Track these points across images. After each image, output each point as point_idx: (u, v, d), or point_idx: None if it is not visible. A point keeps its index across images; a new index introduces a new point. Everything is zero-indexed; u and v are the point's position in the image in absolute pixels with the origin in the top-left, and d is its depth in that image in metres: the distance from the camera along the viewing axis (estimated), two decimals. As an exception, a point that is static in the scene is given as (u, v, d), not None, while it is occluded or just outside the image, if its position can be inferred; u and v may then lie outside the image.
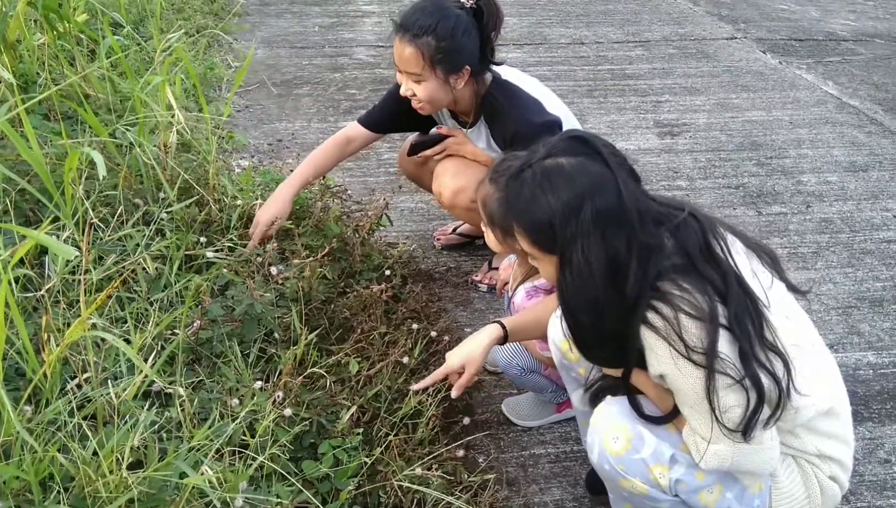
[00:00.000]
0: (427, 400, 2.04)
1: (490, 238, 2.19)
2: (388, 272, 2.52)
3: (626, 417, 1.61)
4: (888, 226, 3.34)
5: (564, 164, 1.47)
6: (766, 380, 1.46)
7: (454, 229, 3.10)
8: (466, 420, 2.14)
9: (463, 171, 2.63)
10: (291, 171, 3.10)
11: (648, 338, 1.50)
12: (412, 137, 2.80)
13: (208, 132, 2.75)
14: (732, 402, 1.46)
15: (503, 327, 1.95)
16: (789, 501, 1.63)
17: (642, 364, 1.57)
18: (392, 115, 2.68)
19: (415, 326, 2.28)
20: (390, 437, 1.86)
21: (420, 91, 2.40)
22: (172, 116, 2.76)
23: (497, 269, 2.87)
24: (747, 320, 1.48)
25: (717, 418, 1.47)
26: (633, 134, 4.13)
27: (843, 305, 2.83)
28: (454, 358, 1.93)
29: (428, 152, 2.67)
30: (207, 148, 2.83)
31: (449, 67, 2.37)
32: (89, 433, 1.56)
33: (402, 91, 2.43)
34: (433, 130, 2.70)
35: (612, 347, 1.55)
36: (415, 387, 1.98)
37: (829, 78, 5.01)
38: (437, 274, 2.93)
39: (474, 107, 2.54)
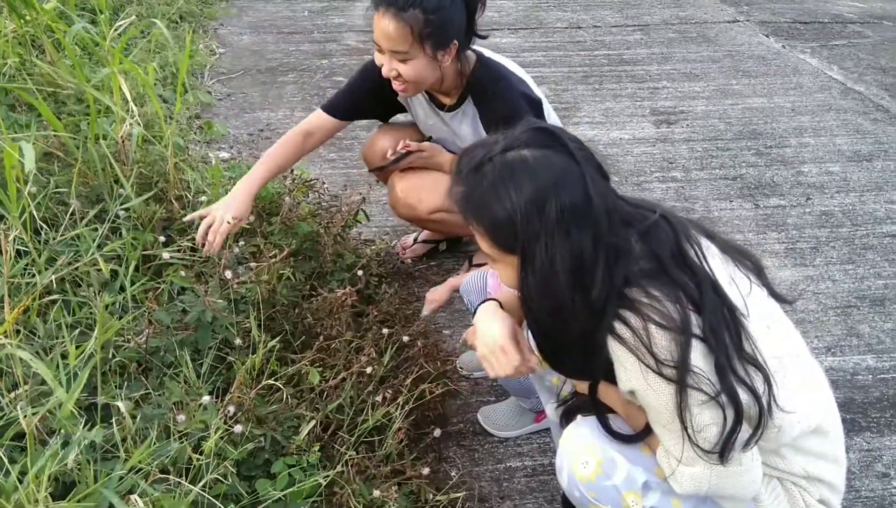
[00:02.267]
0: (394, 412, 1.92)
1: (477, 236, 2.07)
2: (359, 273, 2.39)
3: (596, 438, 1.48)
4: (892, 219, 3.19)
5: (528, 156, 1.34)
6: (744, 396, 1.33)
7: (415, 240, 2.95)
8: (437, 432, 2.01)
9: (415, 185, 2.54)
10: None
11: (616, 350, 1.36)
12: (377, 134, 2.66)
13: (172, 123, 2.61)
14: (707, 420, 1.32)
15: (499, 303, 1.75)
16: (774, 526, 1.50)
17: (612, 378, 1.45)
18: (360, 100, 2.50)
19: (385, 331, 2.15)
20: (347, 455, 1.73)
21: (406, 70, 2.21)
22: (128, 109, 2.63)
23: (479, 265, 2.74)
24: (724, 330, 1.35)
25: (690, 437, 1.33)
26: (629, 122, 3.98)
27: (841, 304, 2.69)
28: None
29: (391, 168, 2.54)
30: (177, 141, 2.70)
31: (438, 43, 2.19)
32: (14, 458, 1.43)
33: (385, 72, 2.24)
34: (399, 147, 2.52)
35: (578, 355, 1.42)
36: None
37: (834, 62, 4.83)
38: (417, 272, 2.80)
39: (459, 87, 2.39)
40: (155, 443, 1.57)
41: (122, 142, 2.44)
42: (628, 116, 4.06)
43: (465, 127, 2.44)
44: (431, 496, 1.80)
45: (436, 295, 2.27)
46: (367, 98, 2.48)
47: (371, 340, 2.07)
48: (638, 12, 5.71)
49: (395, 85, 2.26)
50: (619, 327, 1.35)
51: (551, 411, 1.86)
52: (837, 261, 2.92)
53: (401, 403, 1.94)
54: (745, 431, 1.35)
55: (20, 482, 1.41)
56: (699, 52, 4.94)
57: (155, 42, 4.11)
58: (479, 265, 2.74)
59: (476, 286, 2.26)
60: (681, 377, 1.30)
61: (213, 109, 4.01)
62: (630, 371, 1.35)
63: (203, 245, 2.17)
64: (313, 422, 1.81)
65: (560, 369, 1.52)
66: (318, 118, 2.51)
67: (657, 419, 1.37)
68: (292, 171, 2.63)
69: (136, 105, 2.46)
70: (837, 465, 1.53)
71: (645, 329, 1.32)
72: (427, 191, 2.50)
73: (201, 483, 1.51)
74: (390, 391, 1.98)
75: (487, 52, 2.40)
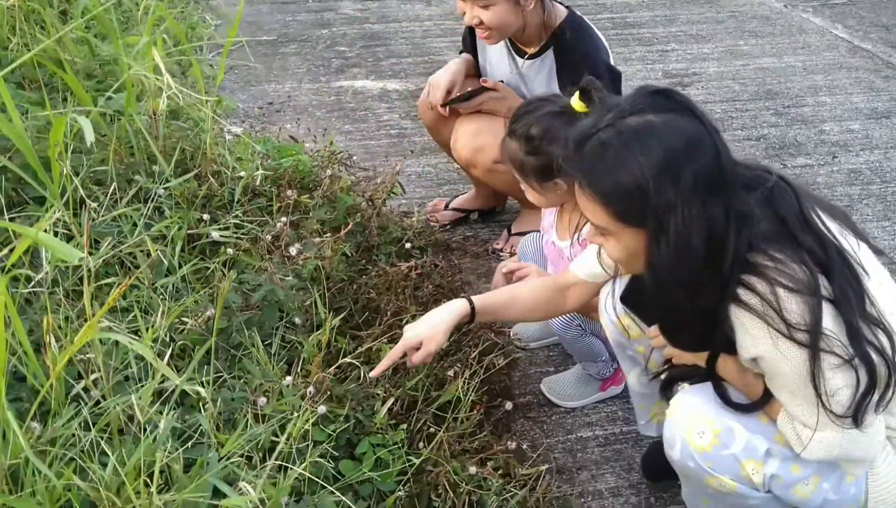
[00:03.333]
0: (464, 386, 1.86)
1: (532, 194, 2.01)
2: (408, 246, 2.32)
3: (711, 408, 1.44)
4: (920, 175, 3.19)
5: (654, 121, 1.27)
6: (875, 356, 1.30)
7: (446, 206, 2.87)
8: (509, 405, 1.97)
9: (486, 128, 2.43)
10: (291, 137, 2.89)
11: (741, 317, 1.32)
12: (435, 81, 2.54)
13: (202, 97, 2.50)
14: (840, 383, 1.29)
15: (471, 304, 1.75)
16: (886, 486, 1.47)
17: (728, 348, 1.40)
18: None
19: (443, 303, 2.09)
20: (440, 434, 1.67)
21: (488, 17, 2.17)
22: (160, 81, 2.51)
23: (518, 235, 2.69)
24: (850, 291, 1.31)
25: (823, 403, 1.30)
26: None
27: (884, 262, 2.67)
28: (411, 332, 1.69)
29: (463, 105, 2.45)
30: (200, 116, 2.60)
31: None
32: (107, 450, 1.36)
33: (467, 20, 2.21)
34: (480, 83, 2.47)
35: (701, 327, 1.37)
36: (372, 374, 1.75)
37: (838, 21, 4.81)
38: (455, 244, 2.73)
39: (543, 37, 2.33)
40: (247, 428, 1.50)
41: (155, 117, 2.33)
42: (641, 80, 4.00)
43: (541, 78, 2.38)
44: (519, 469, 1.76)
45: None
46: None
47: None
48: (635, -26, 5.63)
49: (479, 33, 2.22)
50: (744, 293, 1.30)
51: (634, 379, 1.82)
52: (874, 218, 2.91)
53: (469, 377, 1.88)
54: (876, 392, 1.32)
55: (117, 474, 1.33)
56: (703, 14, 4.89)
57: (153, 14, 3.96)
58: (519, 234, 2.69)
59: (531, 249, 2.21)
60: (813, 342, 1.26)
61: (221, 84, 3.88)
62: (757, 338, 1.31)
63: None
64: (392, 400, 1.76)
65: (680, 343, 1.47)
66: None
67: (785, 385, 1.33)
68: (330, 143, 2.54)
69: (170, 77, 2.35)
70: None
71: (773, 294, 1.28)
72: (495, 138, 2.42)
73: (302, 466, 1.45)
74: (459, 365, 1.92)
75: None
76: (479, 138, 2.46)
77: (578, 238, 2.00)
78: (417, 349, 1.68)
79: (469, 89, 2.48)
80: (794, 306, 1.27)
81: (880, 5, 5.08)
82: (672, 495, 1.88)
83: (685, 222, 1.25)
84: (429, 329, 1.69)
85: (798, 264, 1.30)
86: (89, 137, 1.56)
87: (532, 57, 2.39)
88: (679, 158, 1.25)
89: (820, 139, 3.45)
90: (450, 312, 1.72)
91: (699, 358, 1.46)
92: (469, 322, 1.78)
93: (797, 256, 1.31)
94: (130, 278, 1.51)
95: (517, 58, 2.45)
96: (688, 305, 1.33)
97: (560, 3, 2.37)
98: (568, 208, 2.04)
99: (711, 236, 1.27)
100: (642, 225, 1.30)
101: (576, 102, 1.86)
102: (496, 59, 2.47)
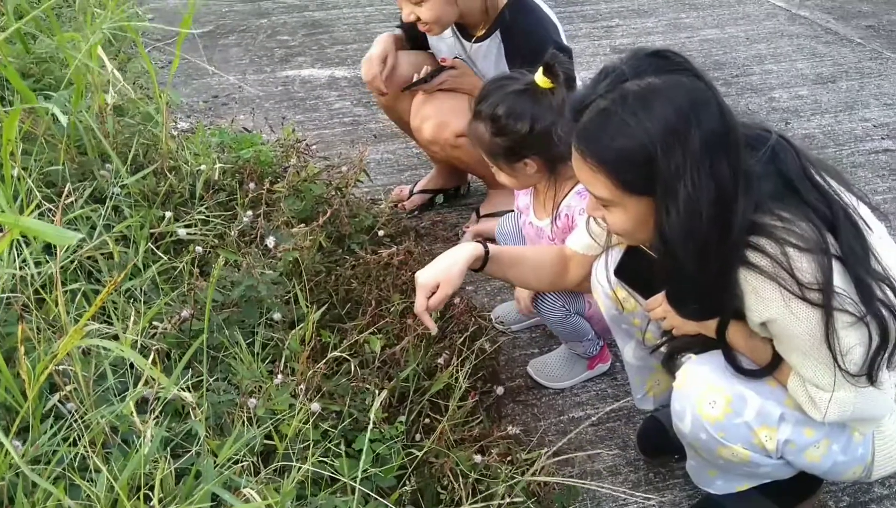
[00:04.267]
0: (457, 373, 1.80)
1: (504, 176, 1.96)
2: (381, 233, 2.25)
3: (720, 376, 1.41)
4: (870, 136, 3.24)
5: (657, 83, 1.23)
6: (885, 313, 1.29)
7: (411, 191, 2.81)
8: (500, 391, 1.92)
9: (446, 105, 2.39)
10: (245, 129, 2.79)
11: (751, 280, 1.29)
12: (368, 58, 2.47)
13: (156, 90, 2.38)
14: (854, 341, 1.28)
15: (486, 248, 1.71)
16: (892, 443, 1.48)
17: (736, 313, 1.38)
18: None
19: (425, 290, 2.03)
20: (442, 424, 1.62)
21: (424, 13, 2.14)
22: (105, 76, 2.38)
23: (487, 216, 2.64)
24: (857, 247, 1.30)
25: (838, 363, 1.28)
26: (593, 62, 3.91)
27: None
28: (425, 276, 1.63)
29: (425, 86, 2.39)
30: (149, 110, 2.47)
31: None
32: (98, 464, 1.26)
33: (405, 18, 2.18)
34: (439, 64, 2.45)
35: (711, 295, 1.34)
36: (434, 331, 1.70)
37: (773, -9, 4.88)
38: (424, 230, 2.67)
39: (488, 20, 2.28)
40: (243, 432, 1.42)
41: (104, 113, 2.20)
42: (591, 56, 3.99)
43: (489, 60, 2.35)
44: (520, 456, 1.71)
45: None
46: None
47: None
48: (571, -47, 5.62)
49: (420, 27, 2.16)
50: (753, 255, 1.28)
51: (630, 353, 1.80)
52: (832, 181, 2.94)
53: (459, 363, 1.83)
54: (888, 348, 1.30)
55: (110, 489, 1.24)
56: (643, -12, 4.90)
57: (80, 9, 3.78)
58: (488, 216, 2.64)
59: (508, 228, 2.17)
60: (826, 301, 1.24)
61: (158, 78, 3.72)
62: (769, 300, 1.28)
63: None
64: (385, 393, 1.69)
65: (689, 313, 1.43)
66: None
67: (797, 347, 1.31)
68: (292, 130, 2.45)
69: (116, 71, 2.22)
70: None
71: (784, 254, 1.25)
72: (455, 113, 2.36)
73: (305, 468, 1.37)
74: (447, 352, 1.87)
75: None
76: (439, 115, 2.42)
77: (556, 218, 1.96)
78: (434, 292, 1.63)
79: (428, 70, 2.43)
80: (805, 265, 1.25)
81: (813, -26, 5.17)
82: (670, 469, 1.86)
83: (695, 186, 1.21)
84: (443, 272, 1.63)
85: (805, 221, 1.27)
86: (63, 119, 1.45)
87: (479, 40, 2.36)
88: (686, 121, 1.21)
89: (771, 106, 3.49)
90: (463, 253, 1.66)
91: (704, 327, 1.43)
92: (478, 269, 1.71)
93: (803, 214, 1.29)
94: (117, 279, 1.39)
95: (465, 42, 2.41)
96: (698, 271, 1.29)
97: None
98: (542, 187, 2.00)
99: (721, 199, 1.24)
100: (649, 193, 1.26)
101: (540, 79, 1.82)
102: (446, 46, 2.45)
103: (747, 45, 4.11)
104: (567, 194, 1.94)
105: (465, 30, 2.36)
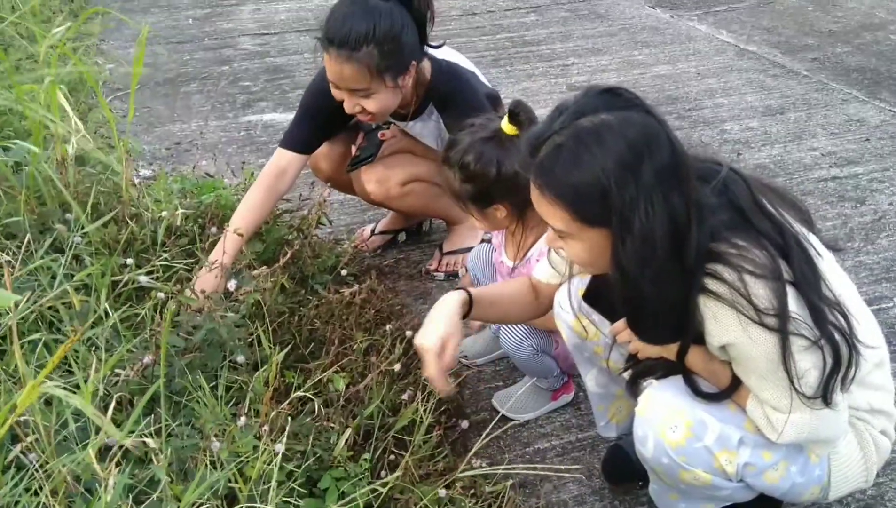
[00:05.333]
0: (422, 408, 1.82)
1: (476, 221, 2.00)
2: (343, 272, 2.28)
3: (681, 401, 1.45)
4: (819, 165, 3.35)
5: (609, 119, 1.28)
6: (837, 337, 1.34)
7: (372, 231, 2.85)
8: (465, 424, 1.94)
9: (383, 162, 2.46)
10: (207, 174, 2.81)
11: (710, 307, 1.33)
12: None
13: (114, 139, 2.40)
14: (808, 364, 1.32)
15: (468, 294, 1.70)
16: (847, 465, 1.52)
17: (694, 338, 1.42)
18: (320, 127, 2.38)
19: (388, 327, 2.06)
20: (405, 459, 1.63)
21: (370, 105, 2.13)
22: (64, 126, 2.39)
23: (450, 254, 2.68)
24: (809, 273, 1.35)
25: (794, 385, 1.32)
26: (549, 99, 4.00)
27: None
28: (429, 341, 1.59)
29: (369, 163, 2.44)
30: (108, 160, 2.48)
31: (397, 71, 2.12)
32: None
33: (349, 109, 2.15)
34: (376, 137, 2.48)
35: (670, 320, 1.38)
36: (447, 392, 1.66)
37: (722, 27, 5.04)
38: (387, 268, 2.69)
39: (418, 96, 2.32)
40: (205, 476, 1.42)
41: (64, 163, 2.21)
42: (548, 94, 4.08)
43: (427, 132, 2.41)
44: (485, 489, 1.72)
45: None
46: (325, 124, 2.37)
47: (381, 337, 1.97)
48: (526, -5, 5.77)
49: (361, 117, 2.18)
50: (711, 282, 1.32)
51: (592, 380, 1.83)
52: (784, 209, 3.03)
53: (423, 399, 1.85)
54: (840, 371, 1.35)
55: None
56: (595, 28, 5.04)
57: (51, 58, 3.80)
58: (450, 253, 2.68)
59: (482, 261, 2.20)
60: (782, 325, 1.29)
61: (119, 127, 3.74)
62: (727, 326, 1.32)
63: None
64: (349, 431, 1.70)
65: (650, 338, 1.46)
66: (285, 157, 2.35)
67: (755, 370, 1.35)
68: (251, 174, 2.47)
69: (77, 120, 2.24)
70: (890, 394, 1.57)
71: (741, 280, 1.30)
72: (393, 166, 2.44)
73: (270, 507, 1.38)
74: (412, 388, 1.89)
75: (433, 52, 2.32)
76: (379, 173, 2.46)
77: (525, 261, 2.00)
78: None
79: (362, 144, 2.47)
80: (761, 292, 1.29)
81: (758, 10, 5.35)
82: (634, 497, 1.88)
83: (648, 217, 1.26)
84: (444, 327, 1.60)
85: (759, 249, 1.32)
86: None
87: (414, 117, 2.39)
88: (638, 154, 1.26)
89: (723, 138, 3.59)
90: (451, 305, 1.64)
91: (667, 351, 1.47)
92: (465, 316, 1.69)
93: (757, 242, 1.34)
94: (79, 332, 1.40)
95: (398, 123, 2.45)
96: (656, 298, 1.34)
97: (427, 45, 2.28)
98: (515, 229, 2.03)
99: (675, 229, 1.28)
100: (605, 224, 1.31)
101: (506, 126, 1.87)
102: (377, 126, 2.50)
103: (698, 79, 4.24)
104: (536, 240, 1.97)
105: (395, 112, 2.34)
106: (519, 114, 1.84)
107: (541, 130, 1.33)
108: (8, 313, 1.81)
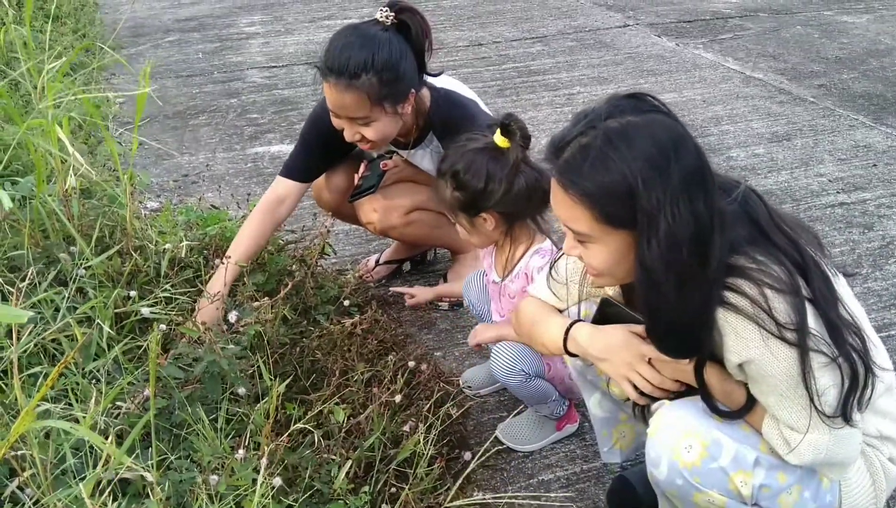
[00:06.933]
0: (424, 440, 1.81)
1: (467, 235, 2.01)
2: (346, 303, 2.27)
3: (695, 420, 1.42)
4: (826, 191, 3.33)
5: (637, 121, 1.27)
6: (854, 356, 1.32)
7: (377, 261, 2.85)
8: (468, 456, 1.92)
9: (385, 193, 2.45)
10: (213, 206, 2.82)
11: (730, 320, 1.32)
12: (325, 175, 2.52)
13: (118, 171, 2.42)
14: (828, 383, 1.31)
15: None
16: (858, 491, 1.49)
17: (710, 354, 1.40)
18: (319, 157, 2.40)
19: (390, 358, 2.05)
20: (404, 492, 1.61)
21: (370, 133, 2.14)
22: (64, 161, 2.41)
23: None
24: (826, 291, 1.34)
25: (814, 403, 1.31)
26: (555, 129, 3.98)
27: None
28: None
29: (371, 194, 2.45)
30: (114, 192, 2.50)
31: (396, 99, 2.13)
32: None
33: (349, 137, 2.16)
34: (378, 167, 2.47)
35: (692, 331, 1.36)
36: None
37: (728, 54, 5.06)
38: (391, 298, 2.69)
39: (418, 125, 2.33)
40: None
41: (67, 196, 2.23)
42: (553, 123, 4.09)
43: (427, 161, 2.41)
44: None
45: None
46: (326, 154, 2.39)
47: (384, 368, 1.96)
48: (532, 25, 5.81)
49: (362, 145, 2.20)
50: (732, 296, 1.31)
51: (595, 404, 1.81)
52: (791, 235, 3.01)
53: (425, 430, 1.84)
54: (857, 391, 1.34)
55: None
56: (601, 57, 5.06)
57: (55, 93, 3.85)
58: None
59: (475, 287, 2.20)
60: (802, 340, 1.28)
61: (127, 160, 3.77)
62: (748, 341, 1.31)
63: None
64: (349, 463, 1.69)
65: (669, 350, 1.43)
66: (284, 186, 2.37)
67: (774, 387, 1.33)
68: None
69: (77, 154, 2.26)
70: (896, 422, 1.54)
71: (762, 295, 1.29)
72: (396, 196, 2.44)
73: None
74: (413, 419, 1.88)
75: (433, 80, 2.34)
76: (383, 203, 2.46)
77: (513, 277, 2.00)
78: None
79: (365, 174, 2.47)
80: (781, 306, 1.28)
81: (764, 37, 5.37)
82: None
83: (675, 218, 1.25)
84: None
85: (778, 264, 1.31)
86: (6, 202, 1.47)
87: (415, 146, 2.40)
88: (666, 156, 1.25)
89: (729, 165, 3.58)
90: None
91: (681, 372, 1.44)
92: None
93: (776, 258, 1.33)
94: (63, 361, 1.40)
95: (401, 152, 2.46)
96: (678, 304, 1.31)
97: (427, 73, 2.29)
98: (504, 243, 2.04)
99: (699, 233, 1.27)
100: (629, 226, 1.30)
101: (499, 138, 1.88)
102: (378, 154, 2.50)
103: (704, 107, 4.24)
104: (524, 254, 1.98)
105: (396, 140, 2.36)
106: (510, 126, 1.86)
107: (564, 133, 1.33)
108: (10, 347, 1.81)
